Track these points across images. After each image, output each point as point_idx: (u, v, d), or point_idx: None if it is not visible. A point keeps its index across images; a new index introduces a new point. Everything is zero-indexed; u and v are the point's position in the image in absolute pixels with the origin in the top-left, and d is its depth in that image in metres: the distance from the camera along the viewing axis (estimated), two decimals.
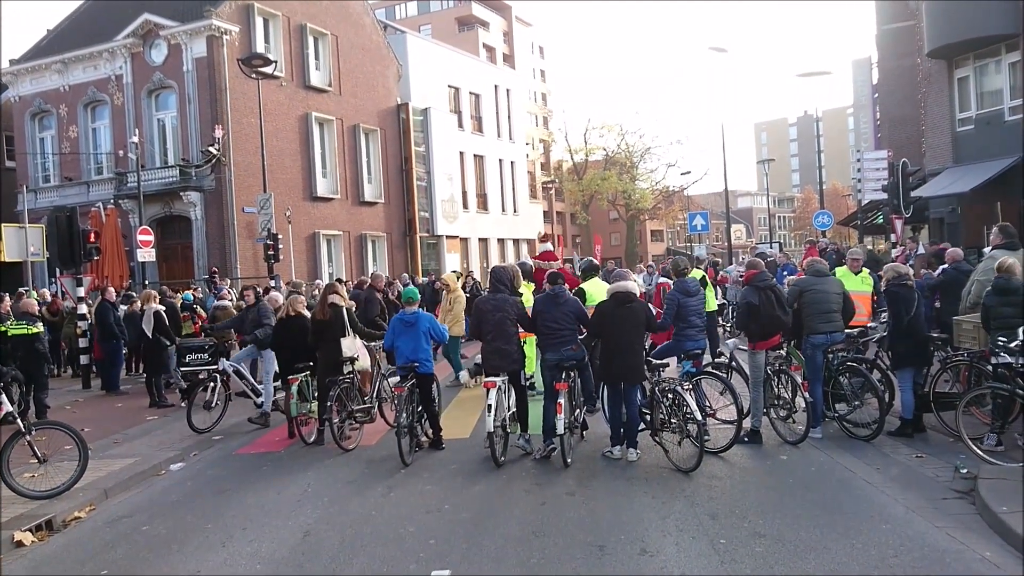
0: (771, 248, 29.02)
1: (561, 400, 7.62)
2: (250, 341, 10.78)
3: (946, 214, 21.23)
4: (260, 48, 27.13)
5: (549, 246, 13.43)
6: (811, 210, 76.70)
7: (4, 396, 7.38)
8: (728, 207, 32.44)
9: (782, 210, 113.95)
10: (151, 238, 22.06)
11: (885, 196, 18.26)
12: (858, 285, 9.34)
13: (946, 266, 10.86)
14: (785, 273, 15.33)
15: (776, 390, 8.57)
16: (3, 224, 17.10)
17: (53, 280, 22.05)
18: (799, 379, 8.16)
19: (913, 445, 7.90)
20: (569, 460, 7.76)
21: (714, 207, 72.76)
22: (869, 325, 9.56)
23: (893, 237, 18.64)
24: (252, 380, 10.75)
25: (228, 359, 10.69)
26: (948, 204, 20.61)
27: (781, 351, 8.70)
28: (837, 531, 5.64)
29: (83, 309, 15.09)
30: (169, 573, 5.59)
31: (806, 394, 8.04)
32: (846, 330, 8.62)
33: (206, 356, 10.58)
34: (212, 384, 10.29)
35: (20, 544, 6.37)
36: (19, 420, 7.38)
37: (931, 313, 10.52)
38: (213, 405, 10.25)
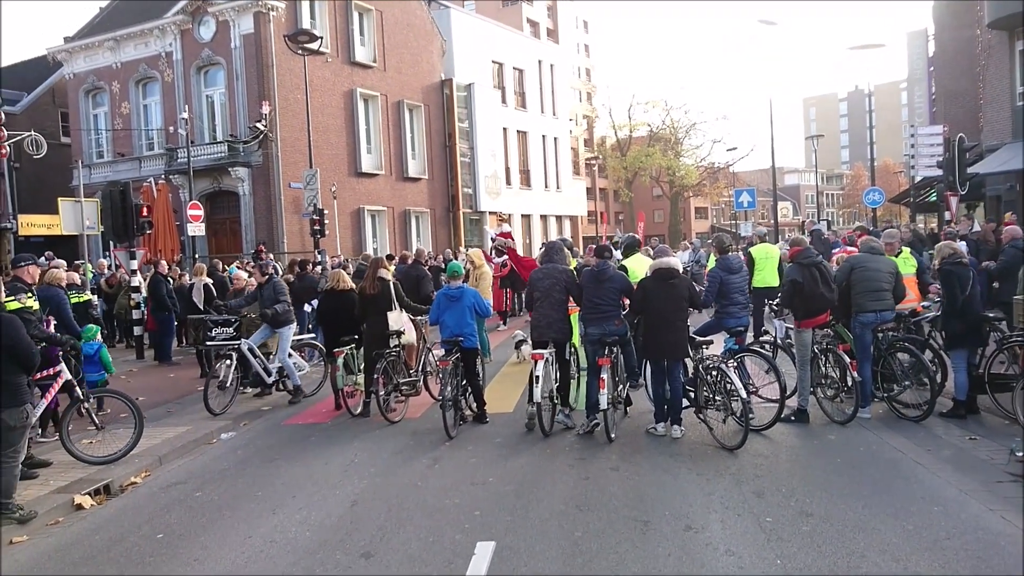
0: (820, 224, 28.43)
1: (604, 375, 7.63)
2: (264, 318, 10.48)
3: (1004, 191, 20.59)
4: (306, 24, 27.30)
5: (507, 227, 13.77)
6: (860, 187, 75.09)
7: (64, 365, 7.60)
8: (775, 184, 31.85)
9: (830, 187, 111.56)
10: (201, 212, 22.45)
11: (939, 173, 17.76)
12: (900, 267, 9.07)
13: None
14: (835, 250, 15.03)
15: (823, 369, 8.45)
16: (60, 198, 17.54)
17: (108, 253, 22.60)
18: (847, 358, 8.03)
19: (966, 427, 7.74)
20: (613, 435, 7.78)
21: (760, 184, 71.52)
22: (922, 304, 9.32)
23: (947, 215, 18.15)
24: (265, 361, 10.55)
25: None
26: (1006, 181, 19.98)
27: (828, 330, 8.56)
28: (887, 512, 5.56)
29: (136, 281, 15.46)
30: (222, 537, 5.74)
31: (854, 373, 7.92)
32: (897, 309, 8.43)
33: (231, 331, 10.39)
34: (228, 361, 10.00)
35: (80, 507, 6.60)
36: (78, 388, 7.60)
37: (987, 292, 10.21)
38: (228, 384, 9.96)
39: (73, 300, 9.67)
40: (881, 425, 7.96)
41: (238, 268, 16.25)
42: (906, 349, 8.28)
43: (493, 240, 16.95)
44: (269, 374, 10.49)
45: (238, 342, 10.20)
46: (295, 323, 11.25)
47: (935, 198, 24.13)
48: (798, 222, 61.26)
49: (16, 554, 5.68)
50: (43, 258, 15.18)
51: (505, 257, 18.10)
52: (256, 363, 10.35)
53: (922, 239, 17.09)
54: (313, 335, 12.67)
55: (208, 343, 10.07)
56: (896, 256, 9.31)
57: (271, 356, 10.70)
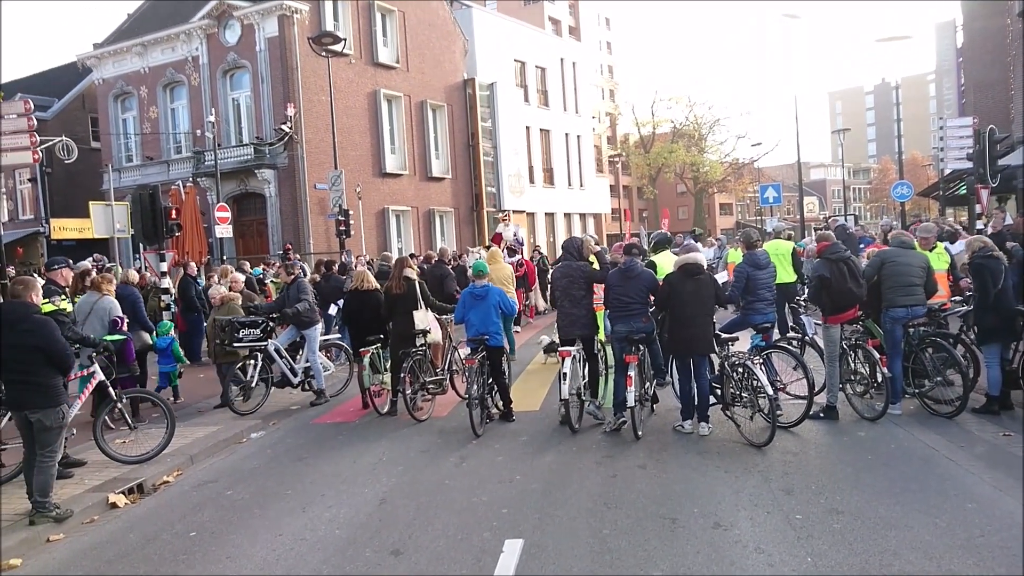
0: (845, 220, 28.10)
1: (631, 373, 7.61)
2: (284, 318, 10.55)
3: None
4: (329, 26, 27.48)
5: (504, 227, 13.57)
6: (888, 181, 74.15)
7: (97, 366, 7.73)
8: (800, 179, 31.54)
9: (857, 181, 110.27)
10: (228, 214, 22.68)
11: (969, 165, 17.46)
12: (934, 262, 8.91)
13: None
14: (862, 245, 14.86)
15: (853, 365, 8.36)
16: (91, 202, 17.81)
17: (138, 256, 22.91)
18: (876, 354, 7.94)
19: (1000, 423, 7.62)
20: (640, 433, 7.76)
21: (785, 179, 70.86)
22: (953, 298, 9.18)
23: (978, 208, 17.85)
24: (291, 361, 10.61)
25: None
26: None
27: (858, 325, 8.47)
28: (919, 509, 5.50)
29: (166, 283, 15.64)
30: (253, 535, 5.81)
31: (884, 369, 7.82)
32: (928, 303, 8.31)
33: (258, 332, 10.31)
34: (252, 362, 10.10)
35: (114, 505, 6.71)
36: (111, 389, 7.73)
37: (1021, 286, 10.02)
38: (254, 385, 10.05)
39: None
40: (912, 422, 7.87)
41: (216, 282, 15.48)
42: (938, 344, 8.16)
43: (520, 244, 16.88)
44: (295, 374, 10.56)
45: (264, 343, 10.29)
46: (321, 323, 11.30)
47: (965, 191, 23.77)
48: (820, 218, 60.54)
49: (53, 551, 5.79)
50: (89, 260, 15.47)
51: (519, 257, 18.09)
52: (282, 363, 10.44)
53: (953, 232, 16.85)
54: (339, 335, 12.76)
55: (235, 344, 10.16)
56: (931, 251, 9.19)
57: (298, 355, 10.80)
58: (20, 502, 6.46)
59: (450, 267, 14.84)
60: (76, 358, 6.89)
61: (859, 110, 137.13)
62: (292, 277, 10.84)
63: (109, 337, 8.99)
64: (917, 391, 8.33)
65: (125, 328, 9.32)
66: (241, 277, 11.70)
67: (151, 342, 10.67)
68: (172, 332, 11.01)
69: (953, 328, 9.19)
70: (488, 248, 17.16)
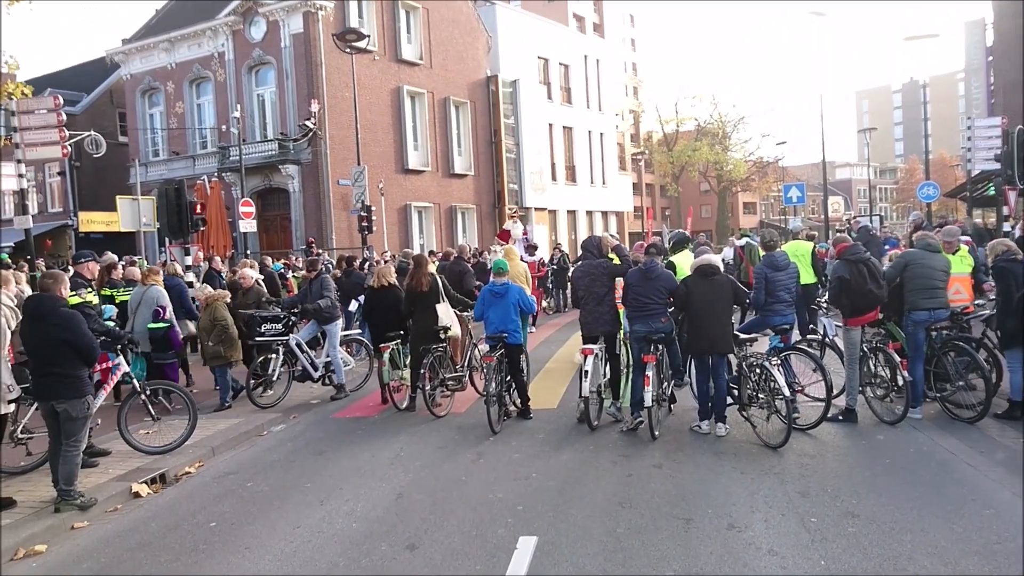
0: (871, 221, 27.82)
1: (649, 373, 7.62)
2: (304, 313, 10.66)
3: None
4: (354, 23, 27.63)
5: (512, 224, 13.41)
6: (915, 181, 73.27)
7: (122, 358, 7.87)
8: (825, 178, 31.26)
9: (883, 181, 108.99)
10: (252, 209, 22.87)
11: (997, 166, 17.23)
12: (957, 265, 8.79)
13: None
14: (887, 247, 14.72)
15: (873, 368, 8.30)
16: (118, 196, 18.07)
17: (163, 249, 23.21)
18: (897, 357, 7.88)
19: (1021, 429, 7.54)
20: (657, 433, 7.77)
21: (810, 178, 70.23)
22: (976, 302, 9.08)
23: (1006, 210, 17.61)
24: (312, 356, 10.71)
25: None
26: None
27: (880, 328, 8.41)
28: (936, 514, 5.47)
29: (190, 277, 15.84)
30: (271, 527, 5.90)
31: (905, 372, 7.77)
32: (950, 307, 8.24)
33: (280, 327, 10.46)
34: (273, 356, 10.28)
35: (137, 495, 6.85)
36: (135, 380, 7.86)
37: None
38: (275, 379, 10.29)
39: (120, 298, 10.03)
40: (932, 426, 7.81)
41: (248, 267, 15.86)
42: (960, 348, 8.09)
43: (527, 242, 16.82)
44: (316, 368, 10.67)
45: (286, 337, 10.40)
46: (342, 318, 11.40)
47: (993, 192, 23.45)
48: (843, 218, 59.94)
49: (77, 538, 5.92)
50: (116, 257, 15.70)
51: (541, 257, 18.05)
52: (303, 358, 10.55)
53: (980, 234, 16.64)
54: (360, 331, 12.87)
55: (257, 339, 10.30)
56: (954, 254, 9.08)
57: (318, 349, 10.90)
58: (46, 490, 6.61)
59: (469, 264, 14.88)
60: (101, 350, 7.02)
61: (886, 109, 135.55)
62: (315, 273, 10.95)
63: (153, 325, 9.98)
64: (938, 395, 8.25)
65: (168, 316, 10.08)
66: (251, 274, 11.60)
67: (195, 331, 11.00)
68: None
69: (976, 332, 9.10)
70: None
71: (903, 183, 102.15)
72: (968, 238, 9.24)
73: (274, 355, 10.29)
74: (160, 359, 10.21)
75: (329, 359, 10.78)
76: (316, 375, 10.66)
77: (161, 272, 10.81)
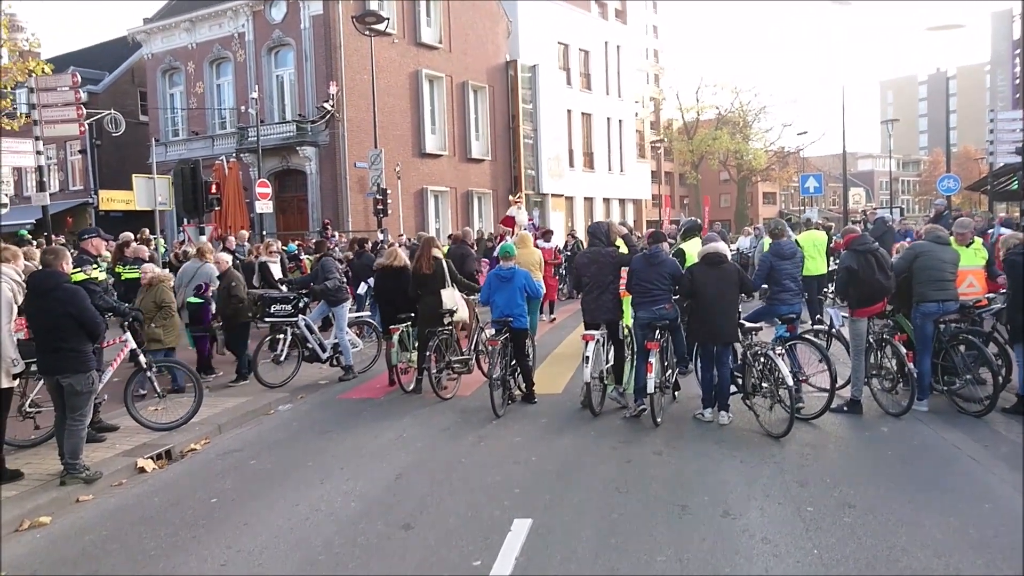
0: (890, 213, 27.52)
1: (652, 360, 7.61)
2: (313, 294, 10.79)
3: None
4: (374, 5, 27.60)
5: (517, 211, 13.23)
6: (938, 174, 72.24)
7: (129, 334, 7.96)
8: (845, 169, 30.88)
9: (906, 173, 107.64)
10: (269, 190, 23.00)
11: (1020, 159, 16.98)
12: (970, 259, 8.67)
13: None
14: (908, 240, 14.55)
15: (879, 360, 8.24)
16: (134, 175, 18.20)
17: (180, 229, 23.39)
18: (903, 349, 7.81)
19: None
20: (659, 420, 7.77)
21: (831, 169, 69.55)
22: (988, 295, 8.97)
23: None
24: (321, 337, 10.79)
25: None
26: None
27: (887, 320, 8.33)
28: (933, 507, 5.44)
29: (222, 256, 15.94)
30: (271, 504, 5.97)
31: (911, 364, 7.70)
32: (960, 299, 8.15)
33: (290, 308, 10.50)
34: (282, 336, 10.40)
35: (142, 470, 6.95)
36: (141, 357, 7.96)
37: None
38: (283, 359, 10.40)
39: (127, 276, 10.16)
40: (938, 419, 7.74)
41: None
42: (968, 342, 8.01)
43: (535, 228, 16.72)
44: (324, 350, 10.74)
45: (296, 318, 10.48)
46: (351, 300, 11.45)
47: (1016, 186, 23.12)
48: (858, 209, 59.24)
49: (81, 511, 6.02)
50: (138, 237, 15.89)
51: (557, 245, 17.97)
52: (312, 339, 10.62)
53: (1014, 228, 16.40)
54: (370, 313, 12.94)
55: (267, 319, 10.40)
56: (967, 247, 8.97)
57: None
58: (53, 463, 6.71)
59: (473, 248, 14.94)
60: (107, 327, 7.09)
61: (911, 100, 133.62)
62: (320, 254, 11.02)
63: (191, 299, 10.46)
64: (946, 388, 8.18)
65: (208, 293, 10.61)
66: (225, 257, 11.11)
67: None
68: None
69: (986, 326, 9.00)
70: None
71: (926, 176, 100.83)
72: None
73: (282, 335, 10.37)
74: (195, 332, 10.70)
75: (337, 341, 10.85)
76: (324, 356, 10.74)
77: (214, 251, 11.44)
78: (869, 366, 8.20)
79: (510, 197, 21.16)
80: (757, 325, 7.93)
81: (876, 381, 8.30)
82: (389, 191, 24.30)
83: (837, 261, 11.30)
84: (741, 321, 7.88)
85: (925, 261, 8.00)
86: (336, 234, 23.01)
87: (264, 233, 24.98)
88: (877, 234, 13.71)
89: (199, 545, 5.25)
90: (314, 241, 13.31)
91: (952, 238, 8.71)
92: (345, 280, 11.45)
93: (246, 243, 16.80)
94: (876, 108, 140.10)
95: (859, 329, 8.03)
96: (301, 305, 10.67)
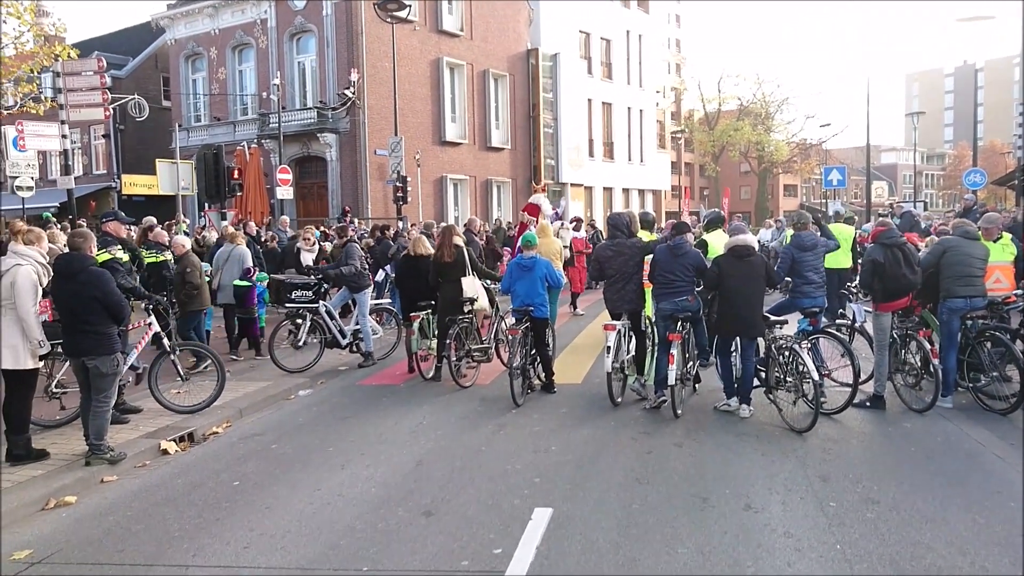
0: (914, 207, 27.20)
1: (673, 351, 7.57)
2: (326, 279, 10.86)
3: None
4: None
5: (542, 198, 13.02)
6: (963, 168, 71.36)
7: (154, 318, 8.03)
8: (869, 162, 30.53)
9: (930, 167, 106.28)
10: (290, 177, 23.07)
11: None
12: (998, 254, 8.54)
13: None
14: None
15: (903, 355, 8.15)
16: (157, 159, 18.33)
17: (201, 214, 23.53)
18: (928, 344, 7.72)
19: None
20: (679, 412, 7.74)
21: (854, 162, 68.79)
22: (1015, 291, 8.84)
23: None
24: (341, 323, 10.81)
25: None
26: None
27: (915, 316, 8.24)
28: (958, 504, 5.38)
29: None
30: (292, 488, 6.01)
31: (935, 360, 7.61)
32: (988, 295, 8.04)
33: (310, 294, 10.57)
34: (300, 321, 10.48)
35: (165, 452, 7.02)
36: (165, 340, 8.02)
37: None
38: (301, 344, 10.49)
39: (149, 260, 10.21)
40: (963, 416, 7.66)
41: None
42: (995, 338, 7.90)
43: (558, 217, 16.60)
44: (344, 336, 10.78)
45: (316, 304, 10.52)
46: (372, 287, 11.48)
47: None
48: (885, 202, 58.55)
49: (105, 492, 6.09)
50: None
51: (584, 235, 17.88)
52: (332, 325, 10.66)
53: None
54: (390, 300, 12.97)
55: (287, 304, 10.47)
56: (995, 242, 8.83)
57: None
58: (78, 443, 6.80)
59: (478, 237, 15.04)
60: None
61: (937, 93, 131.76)
62: (344, 240, 11.08)
63: (238, 283, 10.97)
64: (971, 385, 8.09)
65: (253, 277, 11.16)
66: (184, 241, 10.93)
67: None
68: (265, 283, 12.37)
69: (1014, 323, 8.88)
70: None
71: (951, 170, 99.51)
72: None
73: (301, 320, 10.43)
74: (242, 315, 11.29)
75: (358, 327, 10.88)
76: (344, 342, 10.77)
77: (243, 234, 12.15)
78: (893, 361, 8.12)
79: (534, 185, 21.02)
80: (782, 319, 7.86)
81: (900, 377, 8.22)
82: (409, 179, 24.30)
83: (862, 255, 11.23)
84: (765, 314, 7.81)
85: (953, 256, 7.90)
86: (356, 221, 23.08)
87: (267, 221, 25.06)
88: (904, 228, 13.56)
89: (222, 527, 5.29)
90: (335, 227, 13.37)
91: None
92: (366, 267, 11.47)
93: (287, 229, 16.91)
94: (901, 101, 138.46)
95: (883, 324, 7.94)
96: (322, 291, 10.70)
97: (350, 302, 11.25)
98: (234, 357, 11.09)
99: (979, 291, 7.89)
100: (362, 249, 13.90)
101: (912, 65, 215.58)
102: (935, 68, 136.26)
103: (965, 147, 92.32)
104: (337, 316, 10.81)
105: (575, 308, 16.27)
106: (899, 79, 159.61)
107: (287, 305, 10.54)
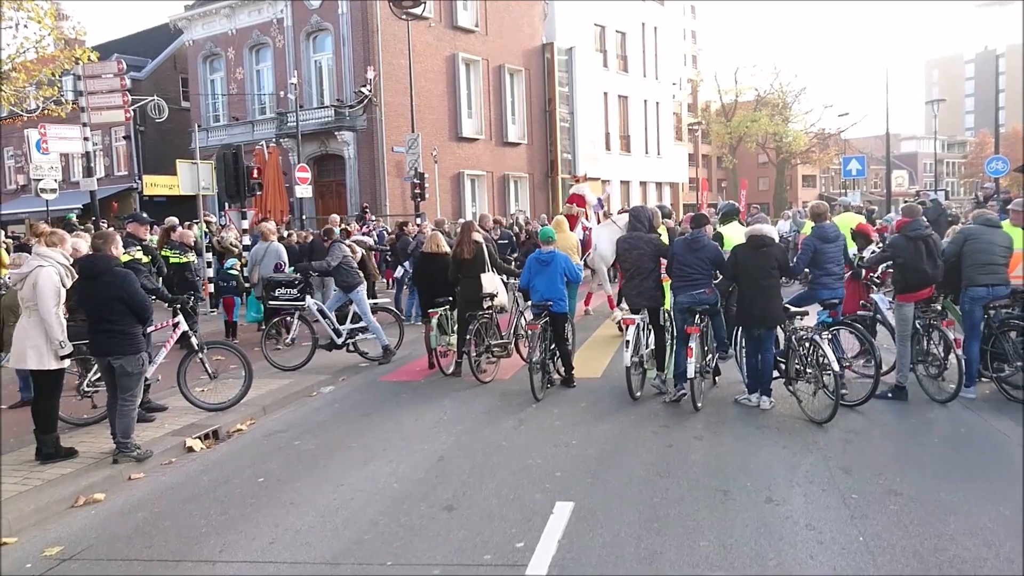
0: (935, 195, 26.88)
1: (692, 344, 7.57)
2: (304, 272, 10.98)
3: None
4: None
5: (585, 188, 12.86)
6: (984, 155, 70.39)
7: (181, 317, 8.13)
8: (888, 151, 30.26)
9: (951, 155, 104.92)
10: (308, 175, 23.23)
11: None
12: (1021, 241, 8.49)
13: None
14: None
15: (925, 346, 8.09)
16: (178, 160, 18.49)
17: (222, 214, 23.72)
18: (951, 335, 7.66)
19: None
20: (699, 405, 7.74)
21: (873, 151, 68.04)
22: None
23: None
24: (334, 321, 10.74)
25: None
26: None
27: (936, 305, 8.17)
28: (983, 496, 5.35)
29: (248, 241, 16.18)
30: (316, 484, 6.08)
31: (959, 351, 7.55)
32: (1012, 283, 7.95)
33: (294, 292, 10.58)
34: (288, 320, 10.63)
35: (191, 450, 7.11)
36: (193, 339, 8.12)
37: None
38: (286, 342, 10.67)
39: (173, 260, 10.33)
40: (986, 407, 7.60)
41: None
42: (1019, 327, 7.83)
43: (601, 207, 16.51)
44: (339, 335, 10.71)
45: (303, 302, 10.56)
46: (364, 284, 11.37)
47: None
48: (911, 192, 57.92)
49: (132, 489, 6.19)
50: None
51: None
52: (326, 323, 10.66)
53: None
54: (410, 296, 13.04)
55: (272, 303, 10.52)
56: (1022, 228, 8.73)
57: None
58: (107, 442, 6.90)
59: (488, 232, 15.03)
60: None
61: (957, 80, 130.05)
62: (330, 240, 11.14)
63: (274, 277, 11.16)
64: (995, 376, 8.02)
65: (285, 271, 11.47)
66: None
67: None
68: None
69: None
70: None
71: (972, 157, 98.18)
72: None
73: (288, 319, 10.55)
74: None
75: (357, 326, 10.86)
76: (339, 341, 10.69)
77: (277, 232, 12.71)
78: (915, 352, 8.06)
79: (575, 176, 20.96)
80: (802, 309, 7.82)
81: (922, 367, 8.16)
82: (426, 175, 24.40)
83: (877, 245, 11.14)
84: (786, 305, 7.78)
85: (975, 245, 7.83)
86: (374, 218, 23.19)
87: (304, 218, 25.25)
88: (932, 217, 13.46)
89: (248, 523, 5.37)
90: (324, 229, 13.43)
91: (1007, 220, 8.49)
92: (353, 266, 11.35)
93: (337, 227, 17.04)
94: (920, 88, 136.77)
95: (904, 314, 7.89)
96: (307, 289, 10.71)
97: (349, 303, 11.29)
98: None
99: (1001, 279, 7.81)
100: (387, 245, 13.98)
101: (931, 52, 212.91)
102: (955, 54, 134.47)
103: (986, 134, 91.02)
104: (331, 315, 10.77)
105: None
106: (918, 66, 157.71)
107: (270, 303, 10.56)
